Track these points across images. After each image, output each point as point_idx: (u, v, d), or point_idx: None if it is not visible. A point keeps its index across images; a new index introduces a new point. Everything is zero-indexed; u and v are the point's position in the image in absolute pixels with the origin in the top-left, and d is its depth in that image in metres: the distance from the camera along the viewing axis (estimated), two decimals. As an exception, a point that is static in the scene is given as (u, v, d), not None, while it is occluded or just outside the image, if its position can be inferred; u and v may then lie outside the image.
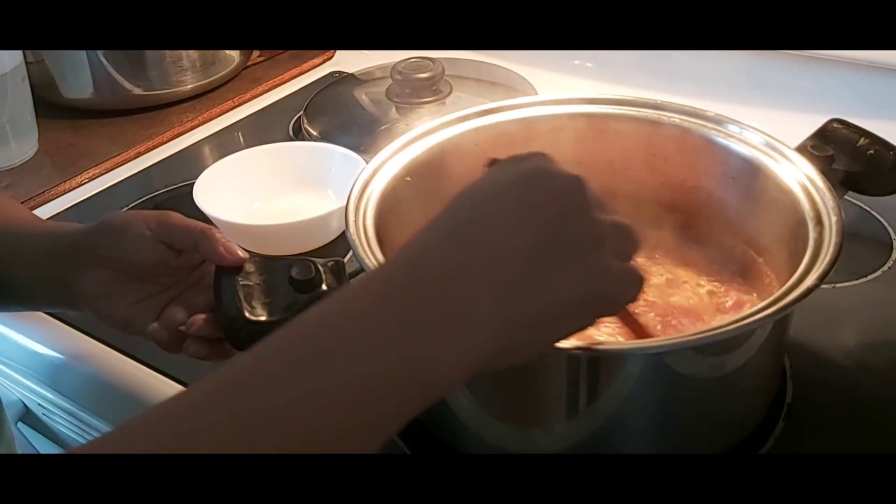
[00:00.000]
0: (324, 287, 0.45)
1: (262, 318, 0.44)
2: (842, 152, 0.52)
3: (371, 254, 0.46)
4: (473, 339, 0.31)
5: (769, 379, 0.49)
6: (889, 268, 0.64)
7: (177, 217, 0.47)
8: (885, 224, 0.69)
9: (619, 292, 0.36)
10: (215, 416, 0.30)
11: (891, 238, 0.67)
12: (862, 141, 0.52)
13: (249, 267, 0.46)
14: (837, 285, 0.62)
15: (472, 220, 0.33)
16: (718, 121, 0.56)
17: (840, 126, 0.54)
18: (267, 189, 0.72)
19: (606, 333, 0.50)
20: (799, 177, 0.50)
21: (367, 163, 0.55)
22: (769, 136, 0.53)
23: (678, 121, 0.56)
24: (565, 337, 0.35)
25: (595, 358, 0.42)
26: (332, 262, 0.47)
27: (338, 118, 0.85)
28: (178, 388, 0.57)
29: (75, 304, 0.49)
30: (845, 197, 0.55)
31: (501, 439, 0.48)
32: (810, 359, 0.56)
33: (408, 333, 0.31)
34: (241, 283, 0.45)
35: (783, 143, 0.52)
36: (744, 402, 0.49)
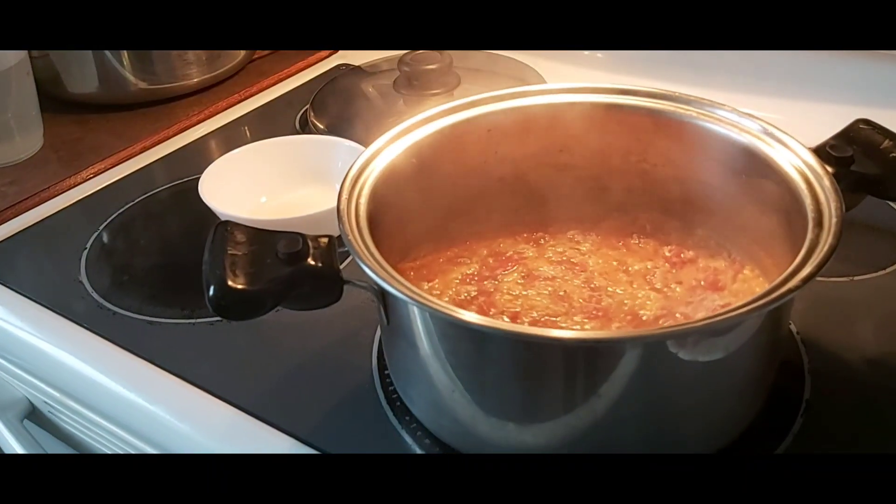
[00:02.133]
0: (310, 261, 0.46)
1: (241, 286, 0.44)
2: (863, 154, 0.50)
3: (358, 233, 0.46)
4: None
5: (757, 375, 0.48)
6: (908, 260, 0.63)
7: None
8: (904, 216, 0.67)
9: None
10: None
11: (909, 230, 0.66)
12: (886, 143, 0.50)
13: (240, 237, 0.47)
14: (856, 278, 0.61)
15: None
16: (719, 109, 0.54)
17: (866, 127, 0.52)
18: (274, 183, 0.71)
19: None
20: (806, 173, 0.48)
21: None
22: (777, 127, 0.52)
23: (695, 113, 0.55)
24: None
25: (592, 348, 0.42)
26: (324, 238, 0.47)
27: (345, 111, 0.84)
28: (185, 386, 0.56)
29: None
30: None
31: (499, 437, 0.47)
32: (829, 353, 0.55)
33: None
34: (229, 251, 0.45)
35: (793, 137, 0.51)
36: (734, 394, 0.47)
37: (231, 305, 0.44)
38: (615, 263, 0.56)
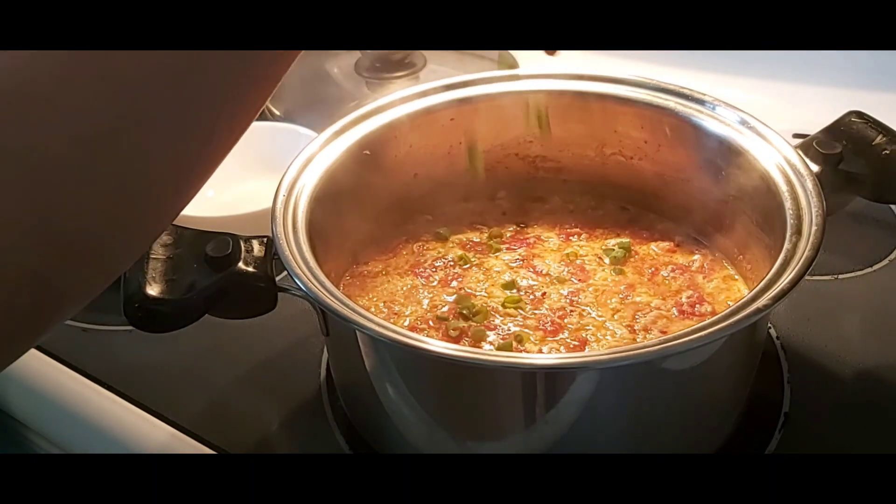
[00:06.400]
0: (241, 266, 0.42)
1: (155, 294, 0.40)
2: (853, 151, 0.45)
3: (293, 238, 0.42)
4: None
5: (727, 392, 0.45)
6: (897, 256, 0.59)
7: None
8: (893, 207, 0.63)
9: None
10: None
11: (899, 223, 0.62)
12: (879, 139, 0.46)
13: (167, 239, 0.43)
14: (840, 276, 0.57)
15: None
16: (701, 102, 0.50)
17: (858, 120, 0.48)
18: (221, 175, 0.65)
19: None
20: (787, 172, 0.45)
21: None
22: (757, 119, 0.48)
23: (672, 104, 0.51)
24: None
25: (552, 373, 0.38)
26: (258, 239, 0.43)
27: (304, 95, 0.79)
28: (117, 401, 0.52)
29: None
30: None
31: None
32: (810, 360, 0.51)
33: None
34: (151, 255, 0.42)
35: (774, 131, 0.47)
36: (700, 413, 0.44)
37: (147, 316, 0.40)
38: (587, 259, 0.53)
